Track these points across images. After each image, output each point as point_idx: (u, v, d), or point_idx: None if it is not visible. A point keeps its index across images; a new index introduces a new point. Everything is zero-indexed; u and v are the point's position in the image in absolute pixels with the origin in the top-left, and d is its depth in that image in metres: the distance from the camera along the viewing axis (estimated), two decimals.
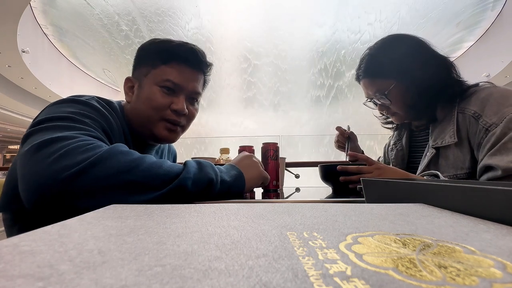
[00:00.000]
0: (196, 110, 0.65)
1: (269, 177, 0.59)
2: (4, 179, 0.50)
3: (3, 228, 0.50)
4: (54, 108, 0.48)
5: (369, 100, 0.77)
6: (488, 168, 0.56)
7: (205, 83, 0.67)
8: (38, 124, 0.42)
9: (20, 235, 0.14)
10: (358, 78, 0.77)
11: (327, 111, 6.19)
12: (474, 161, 0.61)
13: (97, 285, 0.08)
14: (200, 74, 0.63)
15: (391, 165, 0.84)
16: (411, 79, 0.67)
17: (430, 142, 0.69)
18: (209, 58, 0.65)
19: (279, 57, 5.84)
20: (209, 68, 0.65)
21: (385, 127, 0.90)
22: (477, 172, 0.59)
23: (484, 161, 0.56)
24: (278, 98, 6.09)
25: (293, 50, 5.81)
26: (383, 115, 0.86)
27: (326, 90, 6.05)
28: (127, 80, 0.63)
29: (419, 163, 0.74)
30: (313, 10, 5.54)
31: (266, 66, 5.88)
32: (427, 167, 0.68)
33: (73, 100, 0.50)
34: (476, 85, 0.68)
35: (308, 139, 6.20)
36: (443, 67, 0.68)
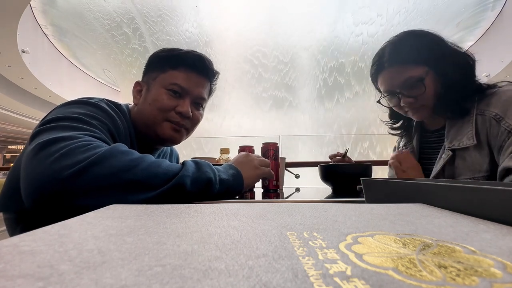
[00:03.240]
0: (201, 115, 0.67)
1: (270, 171, 0.58)
2: (4, 179, 0.51)
3: (3, 228, 0.50)
4: (64, 108, 0.49)
5: (386, 95, 0.72)
6: (509, 171, 0.54)
7: (211, 91, 0.69)
8: (46, 124, 0.43)
9: (20, 235, 0.14)
10: (378, 70, 0.71)
11: (328, 111, 6.19)
12: (493, 164, 0.59)
13: (97, 285, 0.08)
14: (206, 80, 0.65)
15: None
16: (443, 66, 0.64)
17: (446, 144, 0.66)
18: (208, 55, 0.66)
19: (279, 57, 5.84)
20: (215, 77, 0.67)
21: (391, 133, 0.86)
22: (497, 175, 0.57)
23: (505, 163, 0.55)
24: (278, 98, 6.09)
25: (294, 50, 5.81)
26: (391, 119, 0.82)
27: (327, 90, 6.05)
28: (136, 84, 0.65)
29: (431, 165, 0.72)
30: (314, 11, 5.54)
31: (266, 66, 5.88)
32: (442, 169, 0.66)
33: (83, 102, 0.51)
34: (495, 86, 0.65)
35: (308, 139, 6.20)
36: (470, 60, 0.66)
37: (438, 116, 0.71)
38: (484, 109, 0.61)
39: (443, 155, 0.66)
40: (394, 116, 0.83)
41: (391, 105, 0.74)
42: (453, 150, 0.64)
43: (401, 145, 0.84)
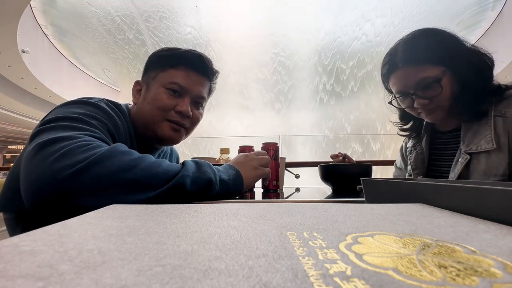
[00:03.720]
0: (201, 114, 0.66)
1: (269, 172, 0.58)
2: (4, 179, 0.51)
3: (4, 228, 0.50)
4: (64, 108, 0.49)
5: (399, 96, 0.68)
6: None
7: (210, 90, 0.69)
8: (46, 124, 0.43)
9: (20, 235, 0.14)
10: (391, 70, 0.68)
11: (328, 111, 6.19)
12: (511, 168, 0.57)
13: (97, 285, 0.08)
14: (206, 79, 0.65)
15: (409, 167, 0.79)
16: (461, 66, 0.61)
17: (462, 148, 0.63)
18: (208, 55, 0.66)
19: (279, 57, 5.84)
20: (215, 76, 0.67)
21: (401, 134, 0.83)
22: None
23: None
24: (278, 98, 6.09)
25: (294, 50, 5.81)
26: (402, 120, 0.80)
27: (327, 90, 6.05)
28: (136, 83, 0.65)
29: (442, 167, 0.70)
30: (314, 10, 5.54)
31: (266, 66, 5.88)
32: (459, 173, 0.63)
33: (83, 102, 0.51)
34: None
35: (308, 139, 6.20)
36: (488, 60, 0.63)
37: (451, 117, 0.68)
38: (505, 110, 0.59)
39: (459, 159, 0.64)
40: (405, 117, 0.80)
41: (403, 106, 0.70)
42: (470, 154, 0.62)
43: (408, 145, 0.81)
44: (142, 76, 0.65)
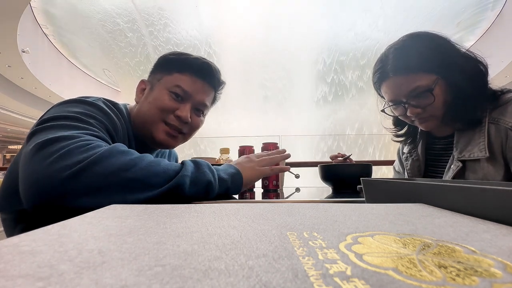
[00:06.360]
0: (201, 121, 0.66)
1: (271, 171, 0.58)
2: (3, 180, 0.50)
3: (2, 228, 0.50)
4: (61, 107, 0.48)
5: (391, 104, 0.66)
6: None
7: (215, 99, 0.68)
8: (43, 123, 0.43)
9: (20, 235, 0.14)
10: (382, 78, 0.66)
11: (328, 111, 6.20)
12: (508, 177, 0.56)
13: (97, 285, 0.08)
14: (211, 88, 0.64)
15: (406, 173, 0.78)
16: (454, 74, 0.59)
17: (455, 154, 0.62)
18: (209, 57, 0.66)
19: (279, 57, 5.84)
20: (221, 86, 0.67)
21: (395, 140, 0.81)
22: None
23: None
24: (278, 98, 6.09)
25: (294, 50, 5.81)
26: (396, 126, 0.78)
27: (327, 90, 6.05)
28: (141, 82, 0.65)
29: (438, 173, 0.69)
30: (314, 10, 5.54)
31: (266, 66, 5.88)
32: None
33: (80, 101, 0.51)
34: (510, 91, 0.61)
35: (308, 139, 6.20)
36: (482, 66, 0.61)
37: (446, 125, 0.66)
38: (499, 118, 0.58)
39: (452, 166, 0.62)
40: (398, 122, 0.78)
41: (396, 114, 0.69)
42: (463, 161, 0.60)
43: (405, 151, 0.80)
44: (148, 77, 0.65)
